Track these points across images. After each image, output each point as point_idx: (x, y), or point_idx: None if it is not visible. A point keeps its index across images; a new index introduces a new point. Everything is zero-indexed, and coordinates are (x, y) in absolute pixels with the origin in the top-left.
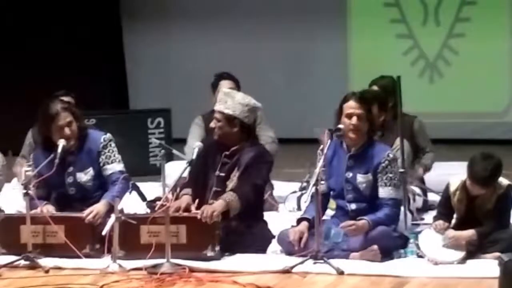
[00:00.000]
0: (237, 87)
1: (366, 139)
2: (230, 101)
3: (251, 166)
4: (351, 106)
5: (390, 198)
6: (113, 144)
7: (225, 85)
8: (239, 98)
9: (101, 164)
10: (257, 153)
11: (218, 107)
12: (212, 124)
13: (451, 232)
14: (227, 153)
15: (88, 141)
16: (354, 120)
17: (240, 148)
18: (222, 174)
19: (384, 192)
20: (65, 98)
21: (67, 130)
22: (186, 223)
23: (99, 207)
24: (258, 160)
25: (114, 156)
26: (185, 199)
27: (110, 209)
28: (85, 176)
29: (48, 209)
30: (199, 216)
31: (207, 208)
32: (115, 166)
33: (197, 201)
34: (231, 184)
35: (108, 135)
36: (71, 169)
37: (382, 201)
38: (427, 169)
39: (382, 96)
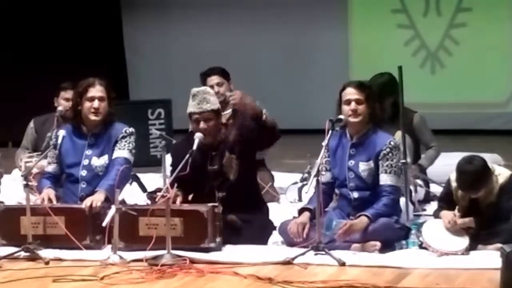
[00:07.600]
0: (225, 76)
1: (369, 127)
2: (211, 97)
3: (243, 138)
4: (349, 92)
5: (390, 185)
6: (132, 138)
7: (213, 81)
8: (211, 91)
9: (113, 151)
10: (237, 129)
11: (205, 107)
12: (204, 126)
13: (448, 215)
14: (213, 152)
15: (111, 129)
16: (352, 105)
17: (220, 138)
18: (215, 167)
19: (384, 179)
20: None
21: (96, 103)
22: (186, 216)
23: (96, 197)
24: (242, 131)
25: (128, 146)
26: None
27: (107, 197)
28: (98, 162)
29: (49, 193)
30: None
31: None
32: (123, 153)
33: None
34: (232, 162)
35: (132, 129)
36: (89, 152)
37: (381, 188)
38: (422, 170)
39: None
